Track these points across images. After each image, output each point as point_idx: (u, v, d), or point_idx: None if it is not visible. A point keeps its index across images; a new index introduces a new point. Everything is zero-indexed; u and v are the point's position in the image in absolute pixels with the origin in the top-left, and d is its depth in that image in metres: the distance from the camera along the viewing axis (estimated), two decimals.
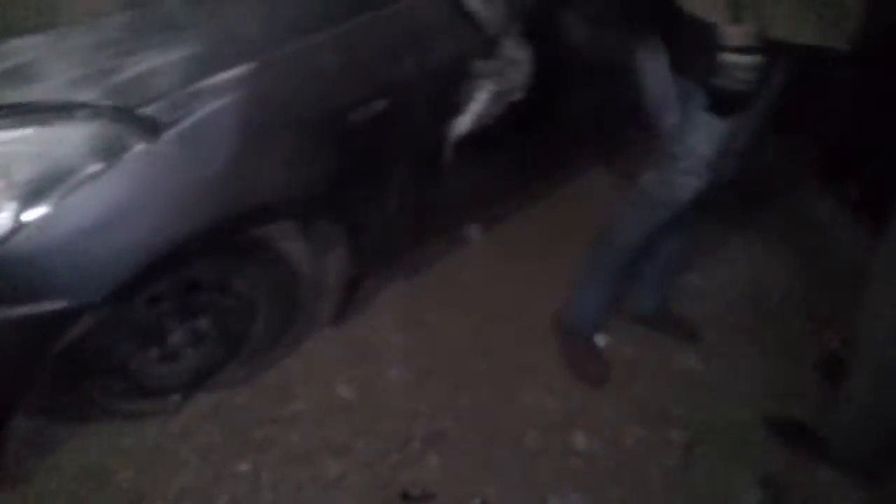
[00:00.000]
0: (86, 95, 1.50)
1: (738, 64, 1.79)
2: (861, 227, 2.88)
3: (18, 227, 1.43)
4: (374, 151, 1.90)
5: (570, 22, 2.11)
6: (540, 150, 2.45)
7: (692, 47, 1.84)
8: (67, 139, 1.47)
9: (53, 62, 1.56)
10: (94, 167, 1.47)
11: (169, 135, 1.52)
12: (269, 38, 1.63)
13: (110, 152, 1.48)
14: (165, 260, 1.58)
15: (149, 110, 1.51)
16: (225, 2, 1.67)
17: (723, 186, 2.06)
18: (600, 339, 2.49)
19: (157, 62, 1.55)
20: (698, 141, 1.93)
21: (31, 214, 1.44)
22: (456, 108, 1.99)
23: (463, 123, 1.99)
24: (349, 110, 1.77)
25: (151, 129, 1.51)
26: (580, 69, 2.24)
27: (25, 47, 1.58)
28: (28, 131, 1.45)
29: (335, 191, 1.85)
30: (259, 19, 1.64)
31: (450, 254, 2.62)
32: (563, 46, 2.13)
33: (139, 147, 1.50)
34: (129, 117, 1.49)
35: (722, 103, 1.85)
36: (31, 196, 1.44)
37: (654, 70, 1.98)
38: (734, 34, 1.78)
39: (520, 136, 2.21)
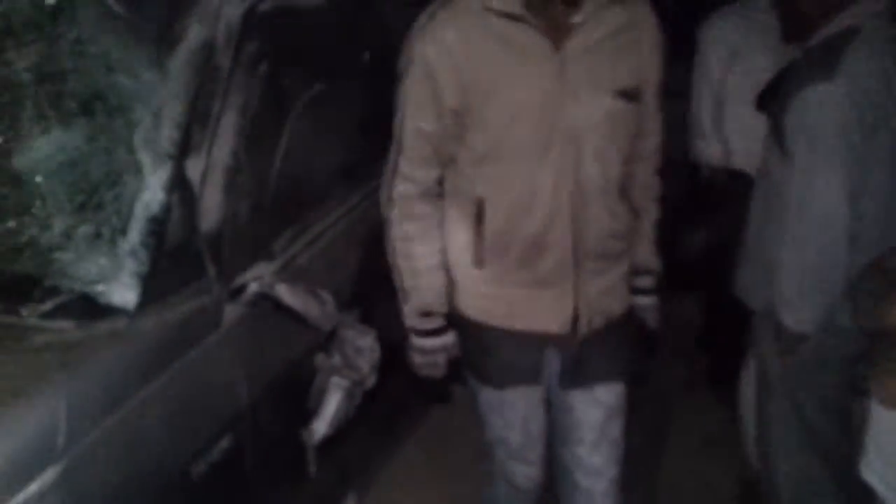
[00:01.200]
0: None
1: (413, 346, 1.77)
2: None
3: None
4: (229, 492, 1.63)
5: None
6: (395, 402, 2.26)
7: None
8: None
9: None
10: None
11: None
12: (72, 432, 1.35)
13: None
14: None
15: None
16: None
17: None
18: None
19: None
20: (496, 427, 1.85)
21: None
22: (310, 412, 1.77)
23: (320, 429, 1.77)
24: (189, 465, 1.51)
25: None
26: None
27: None
28: None
29: None
30: (49, 420, 1.36)
31: None
32: None
33: None
34: None
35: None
36: None
37: None
38: (406, 312, 1.75)
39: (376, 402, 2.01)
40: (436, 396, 1.87)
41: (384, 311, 1.85)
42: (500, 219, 1.65)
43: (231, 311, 1.64)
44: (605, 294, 1.74)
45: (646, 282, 1.85)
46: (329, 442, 1.80)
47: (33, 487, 1.29)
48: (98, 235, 1.57)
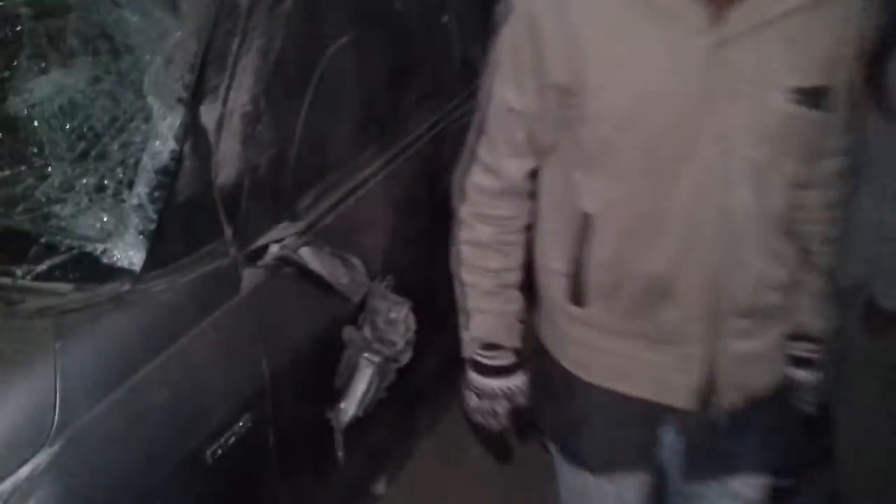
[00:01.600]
0: None
1: (469, 383, 1.41)
2: None
3: None
4: (247, 479, 1.46)
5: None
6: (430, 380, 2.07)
7: None
8: None
9: None
10: None
11: None
12: (67, 410, 1.18)
13: None
14: None
15: None
16: None
17: None
18: None
19: None
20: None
21: None
22: (338, 391, 1.60)
23: (349, 410, 1.60)
24: (202, 449, 1.34)
25: None
26: None
27: None
28: None
29: None
30: (41, 395, 1.18)
31: None
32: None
33: None
34: None
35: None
36: None
37: None
38: (464, 340, 1.39)
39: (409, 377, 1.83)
40: (494, 452, 1.50)
41: (420, 279, 1.67)
42: (611, 248, 1.23)
43: (249, 276, 1.46)
44: (750, 363, 1.29)
45: (804, 350, 1.39)
46: (358, 423, 1.63)
47: (23, 472, 1.13)
48: (101, 188, 1.41)
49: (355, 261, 1.56)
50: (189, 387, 1.34)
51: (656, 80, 1.13)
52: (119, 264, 1.34)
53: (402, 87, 1.96)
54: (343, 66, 1.75)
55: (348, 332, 1.59)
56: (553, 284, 1.33)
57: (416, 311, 1.67)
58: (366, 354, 1.59)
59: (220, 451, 1.36)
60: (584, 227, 1.23)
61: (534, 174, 1.32)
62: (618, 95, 1.15)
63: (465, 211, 1.35)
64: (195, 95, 1.42)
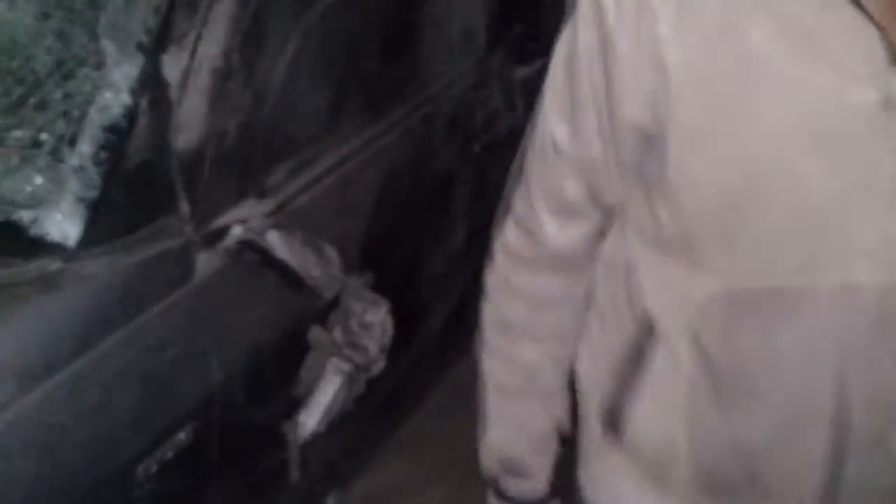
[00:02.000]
0: None
1: None
2: None
3: None
4: (185, 500, 1.26)
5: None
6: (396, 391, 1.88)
7: None
8: None
9: None
10: None
11: None
12: None
13: None
14: None
15: None
16: None
17: None
18: None
19: None
20: None
21: None
22: (298, 401, 1.40)
23: (309, 423, 1.40)
24: (133, 464, 1.13)
25: None
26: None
27: None
28: None
29: None
30: None
31: None
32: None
33: None
34: None
35: None
36: None
37: None
38: (482, 453, 1.03)
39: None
40: None
41: (401, 278, 1.47)
42: (674, 384, 0.82)
43: (205, 262, 1.26)
44: None
45: None
46: (317, 439, 1.43)
47: None
48: (37, 144, 1.19)
49: (330, 251, 1.36)
50: (123, 389, 1.13)
51: (780, 146, 0.70)
52: (50, 237, 1.13)
53: (394, 57, 1.76)
54: (330, 26, 1.55)
55: (316, 333, 1.39)
56: (589, 385, 0.96)
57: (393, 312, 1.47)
58: (334, 361, 1.39)
59: (153, 468, 1.15)
60: (640, 334, 0.83)
61: (596, 237, 0.90)
62: (715, 163, 0.73)
63: (489, 278, 0.97)
64: (158, 42, 1.22)
